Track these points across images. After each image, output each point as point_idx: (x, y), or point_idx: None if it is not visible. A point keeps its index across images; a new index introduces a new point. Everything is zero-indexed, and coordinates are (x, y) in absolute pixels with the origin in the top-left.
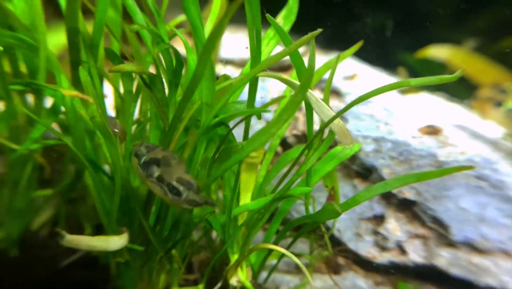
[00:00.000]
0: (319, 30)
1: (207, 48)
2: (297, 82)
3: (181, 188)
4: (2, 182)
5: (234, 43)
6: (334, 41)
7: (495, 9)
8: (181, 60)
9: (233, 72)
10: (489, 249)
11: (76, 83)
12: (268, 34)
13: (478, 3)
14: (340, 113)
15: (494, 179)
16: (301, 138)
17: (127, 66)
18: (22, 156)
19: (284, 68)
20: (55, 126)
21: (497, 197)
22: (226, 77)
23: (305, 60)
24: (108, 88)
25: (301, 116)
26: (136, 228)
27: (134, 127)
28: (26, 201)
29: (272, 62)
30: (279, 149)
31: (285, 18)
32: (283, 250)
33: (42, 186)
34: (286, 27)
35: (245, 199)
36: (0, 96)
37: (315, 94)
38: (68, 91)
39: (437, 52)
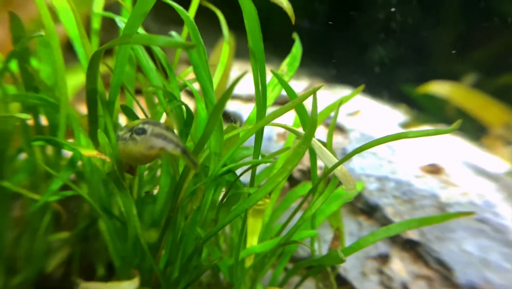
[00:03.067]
0: (321, 84)
1: (216, 111)
2: (301, 132)
3: (146, 126)
4: (22, 229)
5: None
6: (337, 75)
7: (495, 43)
8: (191, 113)
9: (240, 106)
10: None
11: (93, 136)
12: (273, 81)
13: (478, 39)
14: (343, 161)
15: (495, 222)
16: (307, 173)
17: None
18: (41, 206)
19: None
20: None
21: (499, 240)
22: (233, 126)
23: (309, 99)
24: None
25: (306, 152)
26: (147, 271)
27: (145, 173)
28: (44, 246)
29: (276, 117)
30: (285, 184)
31: (289, 65)
32: None
33: (58, 228)
34: (290, 74)
35: (252, 241)
36: (22, 149)
37: (319, 130)
38: (87, 152)
39: (438, 88)
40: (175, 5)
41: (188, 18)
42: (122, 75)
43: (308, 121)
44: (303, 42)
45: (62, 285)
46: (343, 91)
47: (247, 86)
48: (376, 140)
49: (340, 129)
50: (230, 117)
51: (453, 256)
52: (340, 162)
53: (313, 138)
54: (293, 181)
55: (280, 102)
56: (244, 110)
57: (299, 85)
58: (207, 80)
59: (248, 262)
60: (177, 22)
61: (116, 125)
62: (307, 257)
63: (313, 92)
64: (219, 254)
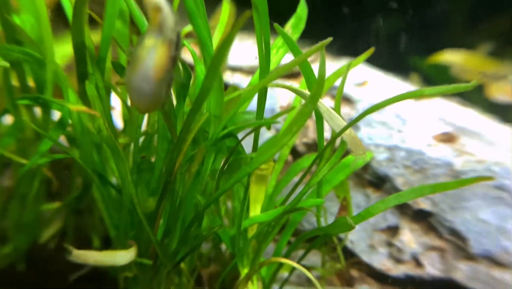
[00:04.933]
0: (329, 39)
1: (215, 62)
2: (307, 92)
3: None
4: (10, 196)
5: (243, 51)
6: (344, 48)
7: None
8: (189, 72)
9: (242, 79)
10: (511, 263)
11: (84, 96)
12: (276, 43)
13: (492, 7)
14: (352, 124)
15: None
16: (312, 146)
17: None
18: (30, 170)
19: (293, 76)
20: (62, 139)
21: None
22: (235, 88)
23: (315, 68)
24: (116, 100)
25: (311, 124)
26: (144, 242)
27: (141, 139)
28: (34, 214)
29: (281, 73)
30: (289, 158)
31: (293, 27)
32: (294, 264)
33: (50, 198)
34: (295, 36)
35: (255, 210)
36: (8, 110)
37: (326, 102)
38: (75, 106)
39: (451, 57)
40: None
41: None
42: (113, 29)
43: (315, 81)
44: (308, 14)
45: (56, 256)
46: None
47: (248, 57)
48: (391, 98)
49: (347, 100)
50: None
51: (468, 225)
52: (349, 125)
53: (320, 101)
54: (297, 155)
55: (285, 75)
56: (246, 83)
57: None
58: (205, 31)
59: (251, 233)
60: None
61: (109, 86)
62: (310, 230)
63: (321, 48)
64: (220, 222)
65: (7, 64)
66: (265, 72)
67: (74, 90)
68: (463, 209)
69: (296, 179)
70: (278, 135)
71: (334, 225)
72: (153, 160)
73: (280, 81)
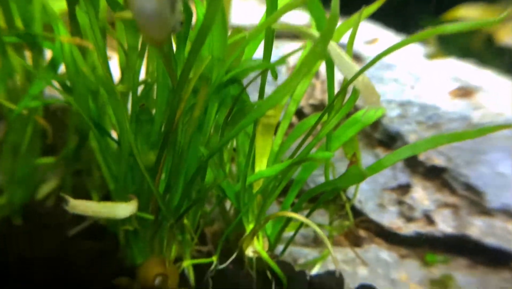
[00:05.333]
0: None
1: (214, 3)
2: (317, 34)
3: None
4: (2, 146)
5: (246, 10)
6: (353, 5)
7: None
8: (190, 10)
9: None
10: None
11: (72, 28)
12: None
13: None
14: (366, 68)
15: None
16: (319, 107)
17: (129, 14)
18: (22, 117)
19: (298, 37)
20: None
21: None
22: (239, 29)
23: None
24: (113, 58)
25: (318, 83)
26: (145, 197)
27: (140, 88)
28: (29, 167)
29: (288, 10)
30: (294, 120)
31: None
32: (302, 218)
33: (46, 154)
34: None
35: (261, 165)
36: None
37: None
38: (67, 38)
39: (468, 12)
40: None
41: None
42: None
43: (325, 20)
44: None
45: (53, 212)
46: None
47: (251, 16)
48: (407, 39)
49: (357, 57)
50: None
51: (485, 179)
52: (362, 71)
53: (331, 43)
54: (303, 116)
55: (291, 34)
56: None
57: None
58: None
59: (256, 188)
60: None
61: (106, 28)
62: (318, 185)
63: None
64: (225, 176)
65: None
66: (271, 9)
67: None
68: (480, 163)
69: (303, 138)
70: (287, 79)
71: (344, 176)
72: (153, 112)
73: (285, 43)
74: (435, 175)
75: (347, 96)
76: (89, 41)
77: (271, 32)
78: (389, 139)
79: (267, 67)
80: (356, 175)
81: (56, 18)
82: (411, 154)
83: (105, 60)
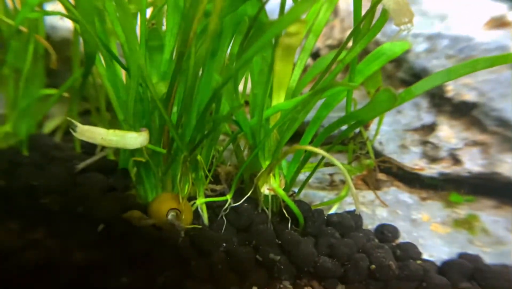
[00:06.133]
0: None
1: None
2: None
3: None
4: (2, 69)
5: None
6: None
7: None
8: None
9: None
10: None
11: None
12: None
13: None
14: None
15: None
16: (337, 48)
17: None
18: (22, 33)
19: None
20: (60, 6)
21: None
22: None
23: None
24: None
25: (337, 22)
26: (157, 130)
27: (149, 10)
28: (32, 96)
29: None
30: (310, 61)
31: None
32: (323, 152)
33: (50, 78)
34: None
35: (278, 98)
36: None
37: None
38: None
39: None
40: None
41: None
42: None
43: None
44: None
45: (62, 147)
46: None
47: None
48: None
49: None
50: None
51: None
52: None
53: None
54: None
55: None
56: None
57: None
58: None
59: (273, 123)
60: None
61: None
62: (340, 118)
63: None
64: (238, 103)
65: None
66: None
67: None
68: None
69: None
70: None
71: (370, 105)
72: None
73: None
74: (464, 112)
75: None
76: None
77: None
78: (413, 78)
79: None
80: (385, 100)
81: None
82: (444, 80)
83: None
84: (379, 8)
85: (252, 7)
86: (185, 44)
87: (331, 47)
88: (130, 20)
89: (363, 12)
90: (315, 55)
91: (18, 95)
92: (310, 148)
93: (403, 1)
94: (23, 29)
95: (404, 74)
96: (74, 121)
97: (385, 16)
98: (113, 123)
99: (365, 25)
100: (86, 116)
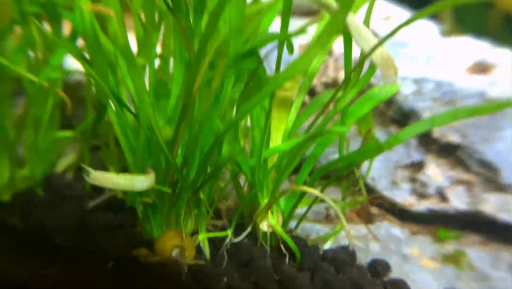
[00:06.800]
0: None
1: None
2: (335, 5)
3: None
4: (24, 119)
5: None
6: None
7: None
8: None
9: None
10: None
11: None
12: None
13: None
14: (384, 40)
15: None
16: (331, 86)
17: None
18: (43, 90)
19: (312, 13)
20: (74, 60)
21: None
22: (256, 1)
23: None
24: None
25: (331, 62)
26: (162, 170)
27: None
28: (49, 140)
29: None
30: (307, 98)
31: None
32: (316, 192)
33: (64, 128)
34: None
35: (276, 141)
36: (16, 21)
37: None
38: (88, 5)
39: None
40: None
41: None
42: None
43: None
44: None
45: (72, 184)
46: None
47: None
48: (423, 11)
49: (373, 34)
50: None
51: (500, 156)
52: (380, 43)
53: (350, 15)
54: (315, 95)
55: (304, 12)
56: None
57: None
58: None
59: (271, 164)
60: None
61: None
62: (333, 161)
63: None
64: (240, 149)
65: None
66: None
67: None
68: (496, 140)
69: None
70: (306, 49)
71: (360, 150)
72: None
73: (297, 20)
74: (449, 152)
75: (364, 71)
76: (110, 7)
77: (289, 3)
78: (403, 117)
79: (286, 38)
80: (372, 148)
81: None
82: (428, 127)
83: (124, 30)
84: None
85: (251, 62)
86: (189, 95)
87: (326, 84)
88: (139, 74)
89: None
90: (311, 91)
91: (36, 140)
92: (306, 188)
93: (389, 56)
94: (45, 83)
95: (394, 113)
96: (87, 168)
97: (373, 68)
98: (120, 159)
99: (355, 76)
100: (96, 152)
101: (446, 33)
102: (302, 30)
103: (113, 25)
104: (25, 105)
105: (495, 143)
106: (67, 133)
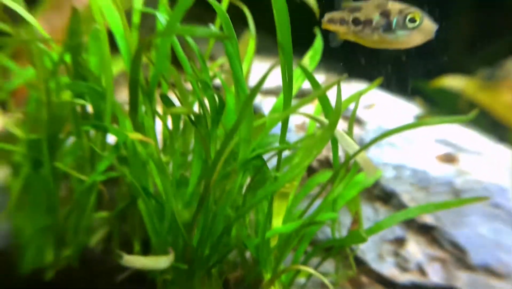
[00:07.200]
0: (345, 76)
1: (249, 99)
2: (325, 120)
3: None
4: (70, 207)
5: (262, 71)
6: (352, 69)
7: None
8: (222, 102)
9: (260, 99)
10: (507, 274)
11: (133, 121)
12: (296, 72)
13: (491, 33)
14: (364, 148)
15: (508, 206)
16: (324, 163)
17: (178, 109)
18: (88, 185)
19: (306, 94)
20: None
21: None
22: (261, 115)
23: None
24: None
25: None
26: (181, 248)
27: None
28: (89, 222)
29: (302, 106)
30: (304, 173)
31: (311, 58)
32: (311, 270)
33: (100, 206)
34: (312, 66)
35: (277, 222)
36: (71, 133)
37: (339, 123)
38: (134, 134)
39: (451, 82)
40: None
41: (221, 10)
42: (162, 67)
43: (331, 110)
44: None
45: (103, 258)
46: (359, 85)
47: (268, 79)
48: (394, 129)
49: (358, 121)
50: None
51: (467, 239)
52: (362, 149)
53: (336, 128)
54: (311, 171)
55: (298, 95)
56: (264, 103)
57: (317, 78)
58: (240, 70)
59: (273, 243)
60: (199, 18)
61: (154, 112)
62: (327, 240)
63: (337, 83)
64: (247, 233)
65: (84, 102)
66: (288, 101)
67: (124, 113)
68: (463, 224)
69: (312, 192)
70: (300, 159)
71: (349, 237)
72: (187, 174)
73: (294, 100)
74: (426, 231)
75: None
76: (150, 137)
77: (286, 119)
78: (386, 196)
79: (284, 149)
80: (358, 237)
81: (123, 114)
82: (404, 218)
83: (157, 147)
84: None
85: (257, 162)
86: (207, 189)
87: (319, 160)
88: (164, 170)
89: None
90: (308, 168)
91: (79, 222)
92: (303, 267)
93: (368, 160)
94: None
95: (379, 192)
96: (121, 252)
97: (356, 166)
98: (141, 232)
99: (342, 170)
100: (123, 222)
101: (420, 118)
102: (294, 145)
103: (151, 147)
104: (69, 191)
105: (462, 227)
106: (103, 214)
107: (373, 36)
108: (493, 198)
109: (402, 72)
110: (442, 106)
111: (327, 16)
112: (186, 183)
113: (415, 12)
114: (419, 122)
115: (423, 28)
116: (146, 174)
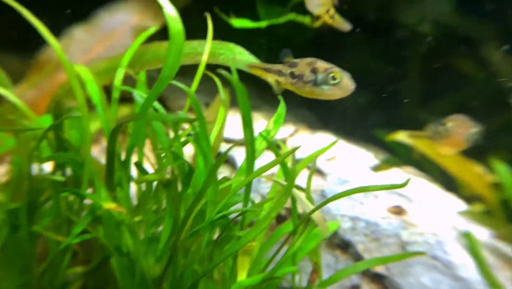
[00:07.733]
0: (298, 146)
1: (213, 171)
2: (284, 183)
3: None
4: (46, 264)
5: (237, 123)
6: (319, 118)
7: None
8: (192, 168)
9: (234, 149)
10: None
11: (110, 186)
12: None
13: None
14: (319, 208)
15: (445, 259)
16: (289, 210)
17: (151, 176)
18: (63, 247)
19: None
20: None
21: (448, 275)
22: (226, 178)
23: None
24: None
25: None
26: None
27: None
28: (64, 278)
29: (263, 172)
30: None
31: (275, 122)
32: None
33: (74, 262)
34: (276, 130)
35: (242, 275)
36: (50, 198)
37: (303, 173)
38: (107, 204)
39: (403, 137)
40: (179, 84)
41: (191, 94)
42: (138, 139)
43: (289, 173)
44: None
45: None
46: (324, 135)
47: (239, 131)
48: (341, 193)
49: (320, 172)
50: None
51: (412, 287)
52: (316, 208)
53: (293, 189)
54: (279, 217)
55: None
56: (237, 153)
57: (286, 130)
58: (206, 145)
59: None
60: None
61: (129, 178)
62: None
63: (292, 152)
64: (213, 287)
65: (62, 179)
66: (251, 165)
67: (102, 179)
68: (408, 274)
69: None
70: (260, 221)
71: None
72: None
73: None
74: (378, 280)
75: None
76: (123, 207)
77: (250, 183)
78: (344, 245)
79: (247, 211)
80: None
81: (99, 181)
82: (354, 272)
83: (129, 213)
84: None
85: (223, 220)
86: (176, 246)
87: (287, 209)
88: (139, 238)
89: None
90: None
91: (52, 283)
92: None
93: (322, 218)
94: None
95: (338, 241)
96: None
97: (313, 223)
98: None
99: (301, 227)
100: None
101: (376, 169)
102: (258, 209)
103: (124, 214)
104: (45, 248)
105: (407, 277)
106: (77, 269)
107: (305, 88)
108: (432, 251)
109: (363, 122)
110: (398, 155)
111: (249, 64)
112: (157, 240)
113: (336, 72)
114: (365, 187)
115: (342, 85)
116: (120, 232)
